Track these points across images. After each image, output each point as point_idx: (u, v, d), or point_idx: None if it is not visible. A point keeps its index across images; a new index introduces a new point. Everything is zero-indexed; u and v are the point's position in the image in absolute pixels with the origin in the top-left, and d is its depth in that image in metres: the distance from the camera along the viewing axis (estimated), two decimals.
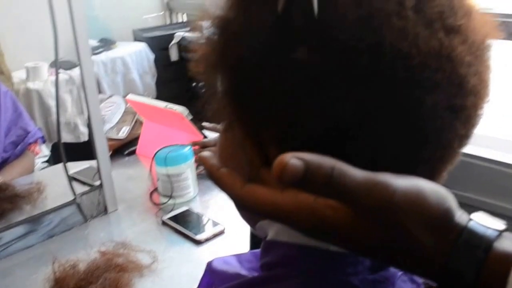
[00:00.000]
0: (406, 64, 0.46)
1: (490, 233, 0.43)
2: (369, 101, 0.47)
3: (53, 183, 1.90)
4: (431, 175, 0.52)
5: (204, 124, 2.00)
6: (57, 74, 1.70)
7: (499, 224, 0.45)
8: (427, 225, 0.43)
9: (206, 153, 0.48)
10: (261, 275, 0.62)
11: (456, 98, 0.49)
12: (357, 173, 0.42)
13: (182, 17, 4.85)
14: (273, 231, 0.60)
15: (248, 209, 0.45)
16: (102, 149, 1.74)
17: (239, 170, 0.53)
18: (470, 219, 0.45)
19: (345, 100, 0.47)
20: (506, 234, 0.44)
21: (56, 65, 1.67)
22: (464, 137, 0.52)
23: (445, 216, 0.44)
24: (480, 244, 0.43)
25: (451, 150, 0.52)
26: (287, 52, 0.47)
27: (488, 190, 2.55)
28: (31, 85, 3.25)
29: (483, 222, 0.44)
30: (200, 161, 0.48)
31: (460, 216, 0.45)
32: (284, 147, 0.50)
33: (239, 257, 0.74)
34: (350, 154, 0.48)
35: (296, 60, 0.47)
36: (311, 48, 0.47)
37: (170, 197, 1.79)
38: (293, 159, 0.41)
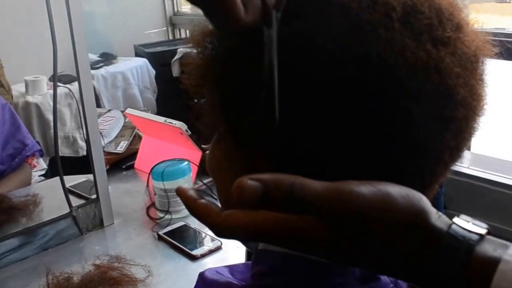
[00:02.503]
0: (393, 74, 0.47)
1: (471, 237, 0.43)
2: (356, 111, 0.48)
3: (49, 196, 1.91)
4: (422, 187, 0.52)
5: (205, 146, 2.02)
6: (55, 88, 1.72)
7: (480, 228, 0.45)
8: (399, 229, 0.43)
9: (182, 187, 0.48)
10: (251, 283, 0.63)
11: (445, 109, 0.50)
12: (318, 185, 0.42)
13: (186, 33, 4.87)
14: None
15: (228, 236, 0.45)
16: (99, 162, 1.76)
17: (228, 183, 0.55)
18: (452, 223, 0.45)
19: (331, 110, 0.48)
20: (488, 237, 0.44)
21: (54, 79, 1.69)
22: (455, 150, 0.53)
23: (418, 218, 0.44)
24: (462, 248, 0.43)
25: (441, 162, 0.53)
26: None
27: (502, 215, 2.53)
28: (30, 98, 3.27)
29: (465, 226, 0.44)
30: (177, 194, 0.49)
31: (438, 218, 0.45)
32: (272, 161, 0.51)
33: (231, 268, 0.75)
34: (336, 165, 0.49)
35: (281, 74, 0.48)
36: (297, 58, 0.48)
37: (167, 212, 1.80)
38: (250, 181, 0.41)
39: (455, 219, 0.45)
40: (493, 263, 0.42)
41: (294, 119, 0.49)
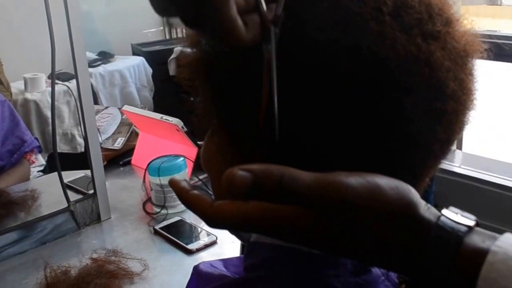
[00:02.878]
0: (385, 67, 0.48)
1: (460, 229, 0.43)
2: (349, 103, 0.48)
3: (47, 191, 1.92)
4: (413, 180, 0.53)
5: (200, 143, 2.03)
6: (53, 85, 1.72)
7: (469, 220, 0.45)
8: (388, 221, 0.43)
9: (175, 178, 0.48)
10: (244, 276, 0.63)
11: (436, 102, 0.50)
12: (307, 177, 0.42)
13: (182, 33, 4.87)
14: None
15: (219, 226, 0.45)
16: (96, 158, 1.76)
17: (221, 176, 0.55)
18: (441, 215, 0.45)
19: (324, 103, 0.49)
20: (476, 229, 0.44)
21: (53, 76, 1.69)
22: (445, 143, 0.54)
23: (407, 210, 0.44)
24: (451, 239, 0.43)
25: (432, 154, 0.53)
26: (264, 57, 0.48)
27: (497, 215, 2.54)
28: (29, 95, 3.27)
29: (454, 218, 0.44)
30: (169, 185, 0.49)
31: (427, 210, 0.45)
32: (264, 154, 0.51)
33: (225, 261, 0.75)
34: (329, 157, 0.49)
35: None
36: (289, 51, 0.48)
37: (163, 207, 1.80)
38: (241, 171, 0.41)
39: (444, 211, 0.45)
40: (482, 254, 0.42)
41: (287, 112, 0.49)
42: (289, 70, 0.48)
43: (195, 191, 0.46)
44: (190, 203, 0.46)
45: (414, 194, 0.45)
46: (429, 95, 0.50)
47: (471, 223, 0.45)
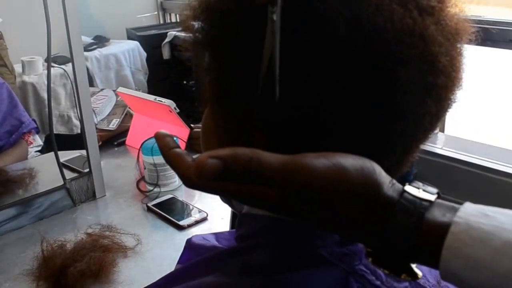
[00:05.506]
0: (381, 37, 0.48)
1: (422, 205, 0.44)
2: (346, 71, 0.49)
3: (44, 170, 1.92)
4: (403, 151, 0.54)
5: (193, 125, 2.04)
6: (49, 68, 1.72)
7: (431, 195, 0.46)
8: (352, 201, 0.44)
9: (163, 131, 0.48)
10: (234, 246, 0.64)
11: (428, 76, 0.51)
12: (274, 160, 0.43)
13: (176, 17, 4.85)
14: None
15: (196, 188, 0.45)
16: (91, 138, 1.77)
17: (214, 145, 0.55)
18: (403, 192, 0.46)
19: (322, 70, 0.49)
20: (437, 202, 0.45)
21: (48, 60, 1.69)
22: (435, 117, 0.54)
23: (370, 191, 0.45)
24: (412, 216, 0.44)
25: (422, 127, 0.54)
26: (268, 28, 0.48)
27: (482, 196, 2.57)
28: (27, 78, 3.25)
29: (416, 194, 0.45)
30: (155, 138, 0.49)
31: (391, 188, 0.46)
32: (267, 129, 0.52)
33: (217, 235, 0.76)
34: (325, 124, 0.50)
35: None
36: (292, 20, 0.48)
37: (156, 185, 1.82)
38: (210, 158, 0.42)
39: (407, 187, 0.46)
40: (443, 227, 0.43)
41: (285, 78, 0.49)
42: (290, 39, 0.48)
43: (177, 149, 0.46)
44: (171, 161, 0.46)
45: (379, 173, 0.46)
46: (422, 68, 0.50)
47: (432, 197, 0.46)
